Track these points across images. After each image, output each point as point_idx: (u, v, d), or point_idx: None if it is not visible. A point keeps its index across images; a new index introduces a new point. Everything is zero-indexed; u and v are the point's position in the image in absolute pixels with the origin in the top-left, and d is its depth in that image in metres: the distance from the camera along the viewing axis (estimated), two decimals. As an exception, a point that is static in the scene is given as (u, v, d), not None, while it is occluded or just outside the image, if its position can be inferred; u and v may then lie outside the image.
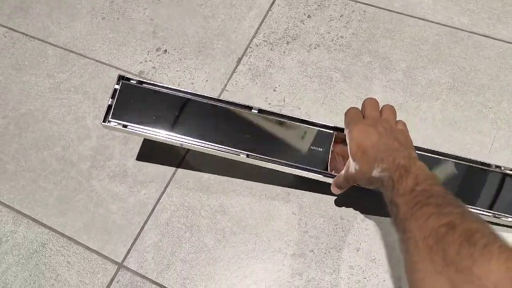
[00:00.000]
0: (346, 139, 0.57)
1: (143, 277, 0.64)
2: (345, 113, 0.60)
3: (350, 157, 0.56)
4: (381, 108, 0.59)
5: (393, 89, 0.75)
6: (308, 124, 0.65)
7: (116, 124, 0.64)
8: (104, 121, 0.64)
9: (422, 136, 0.70)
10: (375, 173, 0.51)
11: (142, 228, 0.68)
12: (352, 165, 0.56)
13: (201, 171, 0.71)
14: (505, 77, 0.74)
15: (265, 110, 0.65)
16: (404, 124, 0.58)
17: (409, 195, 0.45)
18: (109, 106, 0.65)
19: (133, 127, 0.64)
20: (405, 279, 0.59)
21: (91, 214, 0.70)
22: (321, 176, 0.62)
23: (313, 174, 0.62)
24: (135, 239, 0.67)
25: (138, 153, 0.74)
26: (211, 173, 0.71)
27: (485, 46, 0.77)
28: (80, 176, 0.73)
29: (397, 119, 0.58)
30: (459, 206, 0.42)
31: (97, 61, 0.84)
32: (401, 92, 0.75)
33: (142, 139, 0.75)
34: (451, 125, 0.71)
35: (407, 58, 0.78)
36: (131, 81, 0.67)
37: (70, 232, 0.69)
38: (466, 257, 0.35)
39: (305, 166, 0.62)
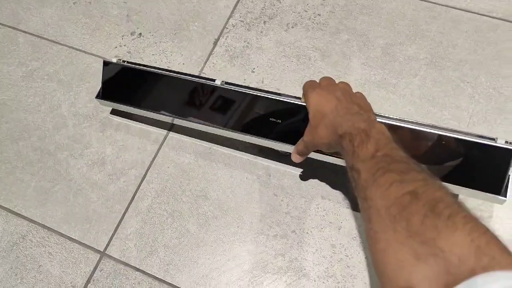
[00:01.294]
0: (306, 106, 0.56)
1: (126, 264, 0.64)
2: (303, 85, 0.59)
3: (309, 123, 0.54)
4: (319, 80, 0.58)
5: (372, 66, 0.75)
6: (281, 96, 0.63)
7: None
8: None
9: (400, 112, 0.70)
10: (335, 137, 0.50)
11: (123, 215, 0.67)
12: (311, 130, 0.54)
13: (181, 156, 0.70)
14: (482, 51, 0.74)
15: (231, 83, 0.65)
16: (362, 94, 0.56)
17: (370, 161, 0.43)
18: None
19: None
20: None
21: (71, 203, 0.69)
22: (280, 144, 0.62)
23: (271, 142, 0.63)
24: (117, 227, 0.67)
25: (116, 140, 0.73)
26: (191, 158, 0.70)
27: (462, 20, 0.77)
28: (58, 165, 0.72)
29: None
30: (421, 172, 0.40)
31: (70, 47, 0.82)
32: (379, 70, 0.74)
33: (119, 125, 0.73)
34: (430, 101, 0.71)
35: (385, 35, 0.77)
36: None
37: (50, 223, 0.68)
38: (430, 228, 0.33)
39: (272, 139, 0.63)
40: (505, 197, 0.54)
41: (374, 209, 0.39)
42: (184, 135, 0.72)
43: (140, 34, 0.82)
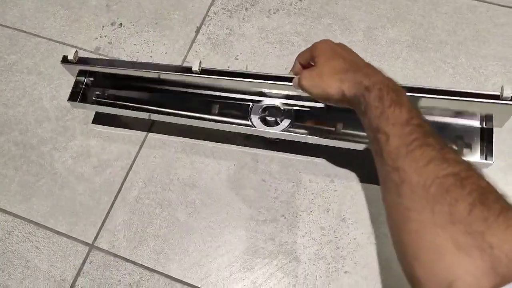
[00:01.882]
0: (314, 55, 0.50)
1: (116, 256, 0.64)
2: (298, 55, 0.55)
3: (316, 63, 0.49)
4: None
5: (354, 50, 0.75)
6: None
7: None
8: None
9: (384, 95, 0.71)
10: (355, 87, 0.44)
11: (111, 207, 0.67)
12: (321, 75, 0.47)
13: (167, 145, 0.70)
14: (462, 32, 0.75)
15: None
16: None
17: (403, 127, 0.38)
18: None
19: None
20: (378, 234, 0.62)
21: (57, 197, 0.68)
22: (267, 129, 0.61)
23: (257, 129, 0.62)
24: (105, 219, 0.66)
25: (100, 132, 0.72)
26: (177, 147, 0.70)
27: (441, 2, 0.78)
28: (42, 159, 0.71)
29: None
30: (459, 154, 0.37)
31: (49, 39, 0.81)
32: (362, 53, 0.73)
33: (103, 116, 0.72)
34: (412, 83, 0.72)
35: (367, 18, 0.77)
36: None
37: (36, 217, 0.67)
38: (479, 220, 0.31)
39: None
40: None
41: (407, 183, 0.35)
42: (166, 134, 0.71)
43: (121, 24, 0.81)
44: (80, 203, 0.67)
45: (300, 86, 0.50)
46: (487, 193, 0.33)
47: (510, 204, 0.33)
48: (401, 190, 0.36)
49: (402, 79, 0.72)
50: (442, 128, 0.61)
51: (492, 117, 0.58)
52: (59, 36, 0.81)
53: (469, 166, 0.35)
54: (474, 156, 0.59)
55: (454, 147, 0.59)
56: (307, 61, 0.53)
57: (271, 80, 0.58)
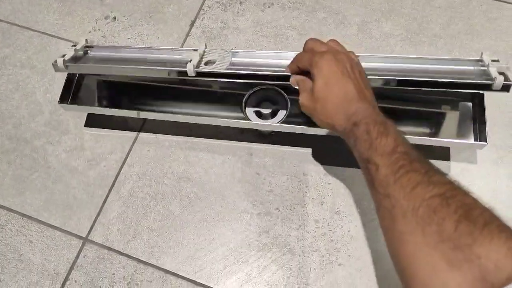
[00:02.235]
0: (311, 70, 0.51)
1: (110, 249, 0.63)
2: (296, 58, 0.55)
3: (313, 89, 0.50)
4: (326, 42, 0.55)
5: (348, 44, 0.74)
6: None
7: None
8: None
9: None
10: (344, 123, 0.47)
11: (105, 200, 0.66)
12: (314, 101, 0.50)
13: (161, 139, 0.70)
14: (456, 26, 0.75)
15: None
16: (355, 55, 0.54)
17: (390, 156, 0.41)
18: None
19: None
20: (372, 226, 0.62)
21: (50, 191, 0.68)
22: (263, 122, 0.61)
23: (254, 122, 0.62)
24: (99, 213, 0.66)
25: (93, 124, 0.72)
26: (171, 141, 0.70)
27: (436, -4, 0.78)
28: (35, 153, 0.70)
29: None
30: (445, 175, 0.39)
31: (42, 33, 0.80)
32: (356, 47, 0.74)
33: (93, 131, 0.72)
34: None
35: (361, 12, 0.77)
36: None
37: (30, 211, 0.66)
38: (466, 235, 0.33)
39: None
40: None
41: (398, 208, 0.38)
42: (158, 133, 0.70)
43: (115, 18, 0.80)
44: (74, 196, 0.67)
45: (299, 102, 0.52)
46: (471, 209, 0.34)
47: (494, 216, 0.34)
48: (393, 215, 0.38)
49: (396, 73, 0.72)
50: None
51: (484, 97, 0.60)
52: (52, 30, 0.80)
53: (454, 185, 0.37)
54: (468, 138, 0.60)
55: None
56: (305, 69, 0.53)
57: (268, 80, 0.58)
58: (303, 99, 0.51)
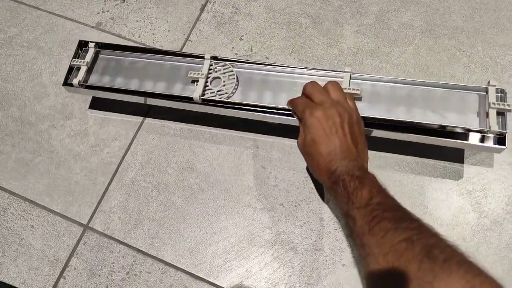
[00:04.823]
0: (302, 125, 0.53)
1: (110, 237, 0.63)
2: (292, 103, 0.56)
3: (304, 140, 0.52)
4: (325, 86, 0.54)
5: (365, 34, 0.72)
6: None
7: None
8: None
9: (394, 83, 0.68)
10: (326, 178, 0.50)
11: (107, 188, 0.65)
12: (304, 149, 0.53)
13: (166, 128, 0.68)
14: (480, 18, 0.71)
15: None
16: (353, 101, 0.55)
17: (365, 208, 0.44)
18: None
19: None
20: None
21: (53, 175, 0.67)
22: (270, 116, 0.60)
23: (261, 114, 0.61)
24: (100, 200, 0.65)
25: (98, 109, 0.70)
26: (176, 129, 0.68)
27: (460, -15, 0.74)
28: (39, 136, 0.69)
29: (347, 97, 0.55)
30: (415, 220, 0.42)
31: (50, 13, 0.78)
32: (372, 38, 0.71)
33: (98, 114, 0.71)
34: (424, 71, 0.69)
35: (379, 1, 0.74)
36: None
37: (32, 195, 0.66)
38: (427, 273, 0.36)
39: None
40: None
41: (371, 256, 0.41)
42: (163, 120, 0.69)
43: (124, -1, 0.78)
44: (76, 182, 0.66)
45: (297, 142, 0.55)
46: (433, 248, 0.37)
47: (455, 252, 0.37)
48: (368, 262, 0.42)
49: (414, 67, 0.69)
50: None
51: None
52: (60, 10, 0.78)
53: (420, 229, 0.40)
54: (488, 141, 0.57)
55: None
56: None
57: (269, 114, 0.60)
58: (299, 142, 0.54)
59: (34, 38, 0.76)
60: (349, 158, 0.49)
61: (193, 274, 0.60)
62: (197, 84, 0.61)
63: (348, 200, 0.46)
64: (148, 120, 0.69)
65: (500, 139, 0.55)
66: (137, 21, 0.76)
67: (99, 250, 0.62)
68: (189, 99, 0.61)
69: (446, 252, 0.37)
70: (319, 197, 0.62)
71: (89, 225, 0.64)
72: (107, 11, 0.77)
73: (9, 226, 0.64)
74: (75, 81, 0.63)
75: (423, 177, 0.62)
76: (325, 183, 0.50)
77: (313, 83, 0.54)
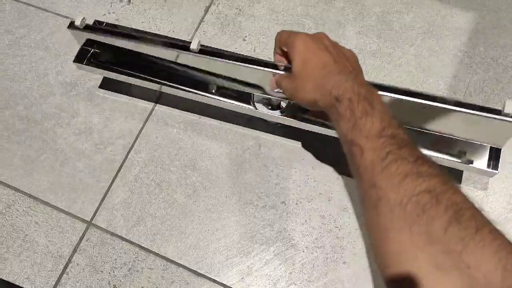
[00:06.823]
0: (288, 52, 0.49)
1: (113, 234, 0.63)
2: (277, 34, 0.52)
3: (292, 70, 0.48)
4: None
5: (367, 35, 0.72)
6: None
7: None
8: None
9: (395, 83, 0.68)
10: (326, 98, 0.43)
11: (110, 185, 0.66)
12: (295, 81, 0.47)
13: (169, 126, 0.69)
14: (482, 19, 0.71)
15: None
16: (353, 52, 0.50)
17: (377, 139, 0.37)
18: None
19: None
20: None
21: (57, 173, 0.68)
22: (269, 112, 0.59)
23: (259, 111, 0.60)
24: (104, 197, 0.65)
25: (103, 108, 0.71)
26: (180, 128, 0.69)
27: (462, -13, 0.74)
28: (45, 135, 0.70)
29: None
30: (433, 164, 0.36)
31: (57, 14, 0.80)
32: (374, 38, 0.72)
33: (106, 93, 0.72)
34: (425, 71, 0.69)
35: (381, 2, 0.74)
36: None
37: (37, 192, 0.67)
38: (456, 240, 0.31)
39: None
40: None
41: (385, 202, 0.35)
42: (172, 107, 0.70)
43: (129, 1, 0.79)
44: (80, 180, 0.67)
45: (279, 87, 0.51)
46: (462, 210, 0.32)
47: (486, 220, 0.32)
48: (379, 209, 0.35)
49: (415, 67, 0.69)
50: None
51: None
52: (67, 12, 0.80)
53: (443, 178, 0.35)
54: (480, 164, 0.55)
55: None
56: (284, 50, 0.51)
57: (261, 66, 0.54)
58: (285, 83, 0.49)
59: (41, 39, 0.78)
60: (347, 72, 0.44)
61: (195, 270, 0.60)
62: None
63: (354, 126, 0.39)
64: (155, 112, 0.69)
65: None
66: (142, 22, 0.77)
67: (102, 247, 0.63)
68: (186, 48, 0.56)
69: (477, 218, 0.32)
70: (320, 195, 0.63)
71: (93, 222, 0.64)
72: (113, 12, 0.79)
73: (14, 223, 0.65)
74: (77, 22, 0.60)
75: (425, 176, 0.62)
76: (324, 102, 0.43)
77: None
